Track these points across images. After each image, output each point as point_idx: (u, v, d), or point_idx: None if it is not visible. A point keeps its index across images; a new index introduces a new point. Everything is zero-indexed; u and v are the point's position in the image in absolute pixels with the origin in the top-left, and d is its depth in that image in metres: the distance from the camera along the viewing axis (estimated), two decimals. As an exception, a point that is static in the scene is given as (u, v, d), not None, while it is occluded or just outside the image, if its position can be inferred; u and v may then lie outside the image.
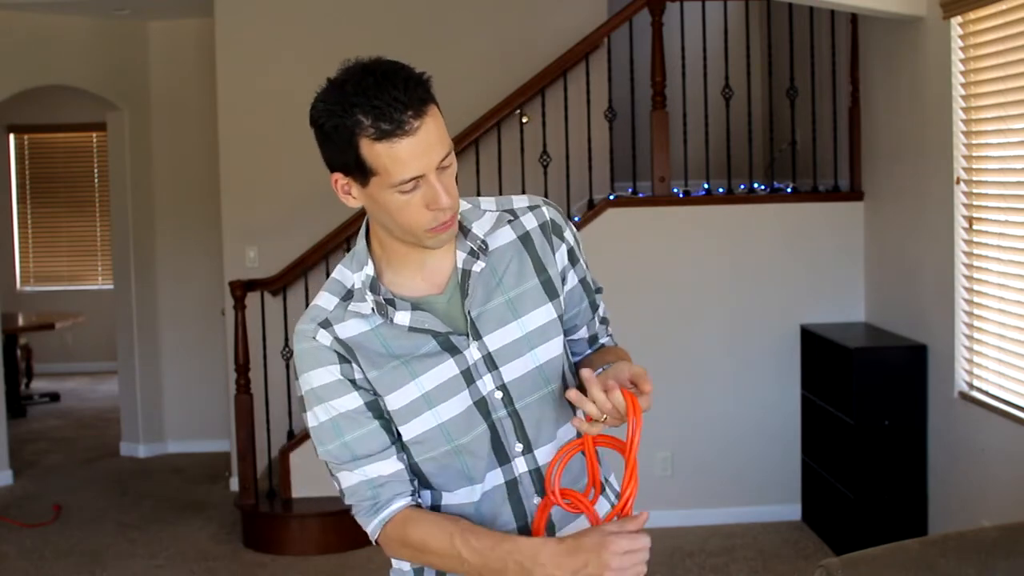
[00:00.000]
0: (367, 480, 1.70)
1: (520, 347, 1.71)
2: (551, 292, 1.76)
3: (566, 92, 5.43)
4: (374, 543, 1.74)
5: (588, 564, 1.54)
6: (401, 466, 1.71)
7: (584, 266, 1.85)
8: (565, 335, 1.85)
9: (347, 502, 1.73)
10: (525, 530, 1.73)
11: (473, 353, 1.69)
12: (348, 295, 1.71)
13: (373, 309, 1.68)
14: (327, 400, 1.69)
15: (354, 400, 1.69)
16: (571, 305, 1.83)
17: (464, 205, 1.75)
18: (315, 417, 1.71)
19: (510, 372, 1.71)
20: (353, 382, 1.68)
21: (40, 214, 10.39)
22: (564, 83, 5.44)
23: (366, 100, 1.54)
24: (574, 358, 1.91)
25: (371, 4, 5.99)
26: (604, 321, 1.92)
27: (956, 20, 4.15)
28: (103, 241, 10.12)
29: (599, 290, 1.90)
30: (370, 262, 1.70)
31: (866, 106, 5.18)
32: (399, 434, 1.73)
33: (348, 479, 1.71)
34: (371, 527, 1.72)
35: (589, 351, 1.91)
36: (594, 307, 1.89)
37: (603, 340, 1.92)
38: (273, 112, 5.94)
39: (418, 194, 1.59)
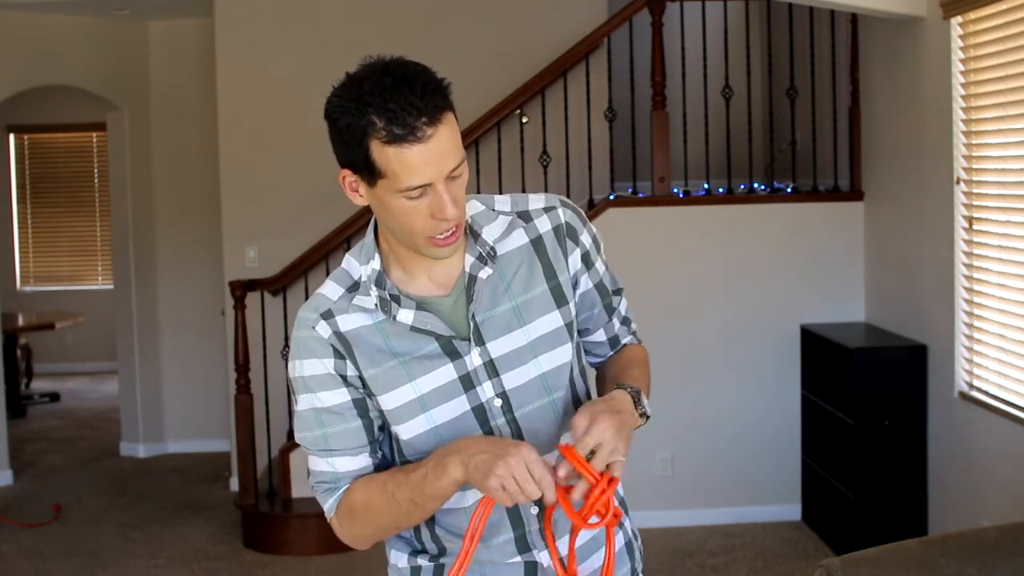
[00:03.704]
0: (332, 470, 1.72)
1: (524, 355, 1.70)
2: (560, 298, 1.74)
3: (566, 92, 5.43)
4: (329, 522, 1.76)
5: (489, 451, 1.53)
6: (369, 463, 1.72)
7: (601, 269, 1.83)
8: (580, 336, 1.85)
9: (311, 481, 1.76)
10: (523, 539, 1.72)
11: (474, 359, 1.68)
12: (354, 287, 1.70)
13: (376, 305, 1.67)
14: (314, 391, 1.69)
15: (341, 396, 1.69)
16: (584, 309, 1.82)
17: (477, 207, 1.73)
18: (300, 404, 1.73)
19: (511, 380, 1.69)
20: (344, 378, 1.68)
21: (40, 214, 10.39)
22: (564, 83, 5.44)
23: (381, 102, 1.51)
24: (596, 359, 1.91)
25: (371, 4, 5.99)
26: (626, 321, 1.91)
27: (956, 20, 4.15)
28: (103, 241, 10.12)
29: (618, 291, 1.88)
30: (377, 256, 1.69)
31: (866, 106, 5.18)
32: (386, 432, 1.74)
33: (316, 464, 1.73)
34: (327, 506, 1.74)
35: (611, 353, 1.90)
36: (610, 310, 1.86)
37: (625, 340, 1.91)
38: (273, 112, 5.94)
39: (424, 202, 1.57)
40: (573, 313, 1.76)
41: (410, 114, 1.51)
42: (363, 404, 1.70)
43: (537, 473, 1.52)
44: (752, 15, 6.46)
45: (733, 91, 5.39)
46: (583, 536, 1.75)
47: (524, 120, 5.56)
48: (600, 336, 1.88)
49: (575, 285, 1.78)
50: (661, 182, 5.30)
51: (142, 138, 6.87)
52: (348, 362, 1.68)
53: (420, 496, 1.62)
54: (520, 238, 1.73)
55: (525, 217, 1.75)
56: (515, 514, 1.71)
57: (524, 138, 5.53)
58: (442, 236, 1.60)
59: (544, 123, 5.38)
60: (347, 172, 1.62)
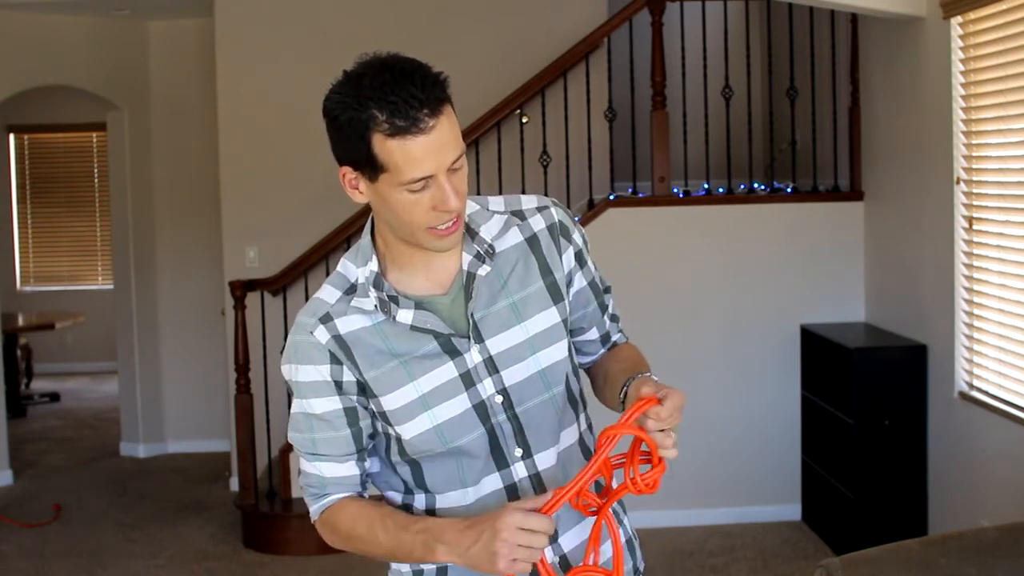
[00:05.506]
0: (319, 474, 1.74)
1: (523, 351, 1.70)
2: (556, 295, 1.75)
3: (566, 92, 5.43)
4: (312, 522, 1.79)
5: (482, 535, 1.55)
6: (355, 471, 1.74)
7: (592, 268, 1.84)
8: (573, 335, 1.85)
9: (300, 481, 1.78)
10: None
11: (474, 356, 1.68)
12: (351, 289, 1.70)
13: (376, 306, 1.67)
14: (307, 397, 1.70)
15: (332, 404, 1.69)
16: (578, 307, 1.82)
17: (472, 206, 1.74)
18: (293, 405, 1.75)
19: (511, 376, 1.70)
20: (339, 385, 1.68)
21: (40, 214, 10.39)
22: (564, 83, 5.44)
23: (382, 95, 1.53)
24: (588, 358, 1.91)
25: (371, 4, 5.99)
26: (614, 318, 1.92)
27: (956, 20, 4.15)
28: (103, 241, 10.12)
29: (607, 289, 1.90)
30: (374, 258, 1.69)
31: (866, 106, 5.18)
32: (380, 438, 1.75)
33: (305, 465, 1.76)
34: (312, 509, 1.77)
35: (603, 350, 1.91)
36: (603, 308, 1.88)
37: (615, 338, 1.92)
38: (273, 112, 5.94)
39: (427, 194, 1.58)
40: (568, 310, 1.77)
41: (412, 106, 1.52)
42: (354, 413, 1.70)
43: (532, 524, 1.53)
44: (752, 15, 6.46)
45: (733, 91, 5.39)
46: (582, 532, 1.74)
47: (524, 120, 5.56)
48: (593, 334, 1.89)
49: (570, 283, 1.79)
50: (661, 182, 5.30)
51: (142, 138, 6.87)
52: (346, 367, 1.68)
53: (403, 556, 1.68)
54: (515, 236, 1.75)
55: (519, 216, 1.77)
56: None
57: (524, 138, 5.53)
58: (444, 227, 1.61)
59: (544, 123, 5.38)
60: (347, 169, 1.62)
